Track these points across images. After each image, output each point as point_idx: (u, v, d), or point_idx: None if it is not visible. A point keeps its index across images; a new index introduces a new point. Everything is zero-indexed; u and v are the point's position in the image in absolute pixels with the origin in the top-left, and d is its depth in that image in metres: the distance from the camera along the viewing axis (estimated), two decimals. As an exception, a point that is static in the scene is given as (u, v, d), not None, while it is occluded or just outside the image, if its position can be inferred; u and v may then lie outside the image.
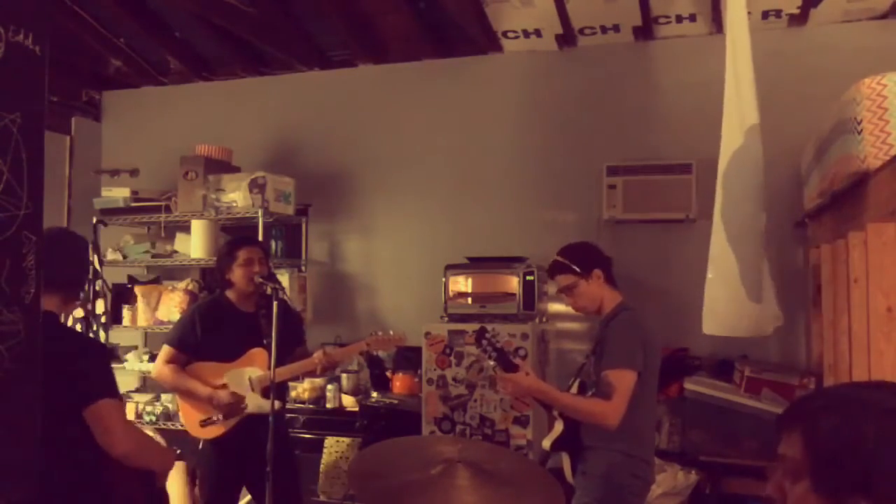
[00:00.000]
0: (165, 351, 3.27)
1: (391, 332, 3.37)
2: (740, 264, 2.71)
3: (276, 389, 3.15)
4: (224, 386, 3.20)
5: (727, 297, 2.73)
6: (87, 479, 2.12)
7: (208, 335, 3.24)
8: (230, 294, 3.32)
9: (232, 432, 3.21)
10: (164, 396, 4.71)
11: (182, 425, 3.54)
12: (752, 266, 2.78)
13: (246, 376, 3.21)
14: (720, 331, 2.82)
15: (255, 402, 3.19)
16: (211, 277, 4.05)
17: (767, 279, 2.96)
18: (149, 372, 4.44)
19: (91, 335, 4.62)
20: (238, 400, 3.18)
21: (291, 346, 3.36)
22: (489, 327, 2.75)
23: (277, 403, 3.12)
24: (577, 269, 2.73)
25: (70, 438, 2.05)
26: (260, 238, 4.33)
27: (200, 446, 3.37)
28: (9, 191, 1.50)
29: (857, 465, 1.03)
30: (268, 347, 3.17)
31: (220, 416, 3.19)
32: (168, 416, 4.59)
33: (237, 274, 3.24)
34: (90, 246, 4.69)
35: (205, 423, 3.23)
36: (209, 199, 4.45)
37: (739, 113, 2.78)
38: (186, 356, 3.27)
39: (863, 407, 1.07)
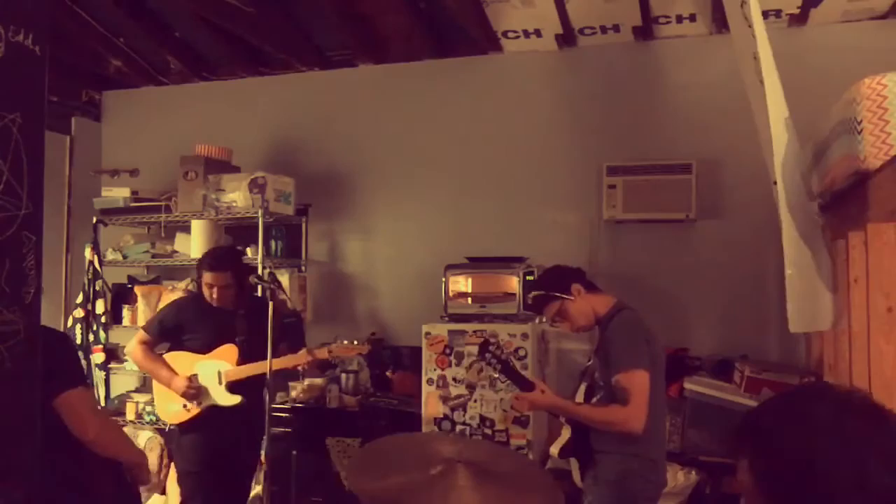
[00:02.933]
0: (140, 334, 3.50)
1: (355, 342, 3.50)
2: (815, 256, 2.68)
3: (249, 386, 3.35)
4: (195, 376, 3.38)
5: (809, 290, 2.69)
6: (59, 472, 2.12)
7: (185, 327, 3.44)
8: None
9: (199, 419, 3.37)
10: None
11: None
12: (823, 256, 2.75)
13: (216, 369, 3.37)
14: (808, 326, 2.75)
15: (220, 395, 3.36)
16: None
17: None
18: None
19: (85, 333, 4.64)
20: (193, 389, 3.34)
21: (272, 345, 3.42)
22: (493, 339, 2.75)
23: (240, 399, 3.34)
24: (557, 294, 2.74)
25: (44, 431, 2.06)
26: (260, 238, 4.35)
27: (168, 429, 3.57)
28: (9, 191, 1.50)
29: (803, 485, 1.02)
30: (240, 345, 3.37)
31: (182, 403, 3.37)
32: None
33: (204, 291, 3.41)
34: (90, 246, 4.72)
35: (174, 407, 3.41)
36: (209, 199, 4.45)
37: (777, 106, 2.76)
38: (159, 343, 3.50)
39: (801, 425, 1.06)
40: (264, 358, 3.37)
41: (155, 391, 3.54)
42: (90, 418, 2.20)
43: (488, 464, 1.73)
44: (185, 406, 3.37)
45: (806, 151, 3.41)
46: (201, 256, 3.56)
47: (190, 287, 4.71)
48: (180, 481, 3.47)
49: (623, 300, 2.79)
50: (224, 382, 3.36)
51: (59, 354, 2.18)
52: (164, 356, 3.48)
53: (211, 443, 3.34)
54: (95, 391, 4.63)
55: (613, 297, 2.79)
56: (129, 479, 2.38)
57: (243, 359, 3.35)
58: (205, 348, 3.40)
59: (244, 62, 5.04)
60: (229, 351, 3.38)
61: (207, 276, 3.37)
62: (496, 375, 2.82)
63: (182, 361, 3.42)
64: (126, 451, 2.40)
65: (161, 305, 4.69)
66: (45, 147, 1.57)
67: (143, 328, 3.53)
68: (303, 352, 3.36)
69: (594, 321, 2.76)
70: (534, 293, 2.83)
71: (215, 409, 3.36)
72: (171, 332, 3.46)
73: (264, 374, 3.18)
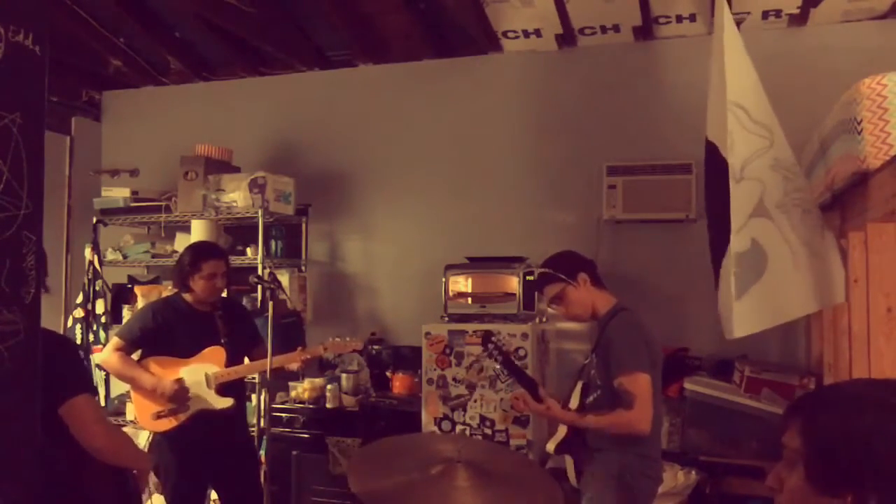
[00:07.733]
0: (114, 341, 3.31)
1: (348, 339, 3.50)
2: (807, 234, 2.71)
3: (234, 388, 3.30)
4: (181, 380, 3.25)
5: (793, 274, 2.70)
6: (61, 479, 2.10)
7: (163, 332, 3.29)
8: (188, 296, 3.35)
9: (185, 427, 3.24)
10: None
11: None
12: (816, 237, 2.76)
13: (202, 373, 3.26)
14: (808, 308, 2.77)
15: (211, 398, 3.26)
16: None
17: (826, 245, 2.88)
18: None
19: (84, 334, 4.64)
20: (183, 391, 3.22)
21: (248, 346, 3.47)
22: (495, 331, 2.76)
23: (232, 402, 3.26)
24: (563, 277, 2.74)
25: (46, 437, 2.05)
26: (260, 238, 4.35)
27: (151, 439, 3.42)
28: (9, 191, 1.50)
29: (849, 458, 1.06)
30: (225, 346, 3.30)
31: (167, 410, 3.23)
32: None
33: (199, 285, 3.28)
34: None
35: (157, 416, 3.25)
36: (209, 199, 4.45)
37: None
38: (135, 350, 3.32)
39: (861, 403, 1.10)
40: (245, 359, 3.38)
41: (135, 400, 3.37)
42: (96, 427, 2.15)
43: (488, 464, 1.73)
44: (172, 412, 3.23)
45: (806, 152, 3.42)
46: (189, 253, 3.37)
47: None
48: (167, 494, 3.32)
49: (623, 302, 2.80)
50: (214, 385, 3.25)
51: (64, 361, 2.14)
52: (142, 363, 3.32)
53: (207, 443, 3.24)
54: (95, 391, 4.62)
55: (615, 296, 2.80)
56: (131, 485, 2.36)
57: (229, 360, 3.29)
58: (187, 352, 3.27)
59: (244, 62, 5.03)
60: (216, 353, 3.29)
61: (211, 266, 3.26)
62: (497, 367, 2.81)
63: (163, 367, 3.28)
64: (132, 458, 2.36)
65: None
66: (45, 147, 1.57)
67: (118, 335, 3.33)
68: (298, 351, 3.32)
69: (590, 315, 2.78)
70: (540, 269, 2.84)
71: (204, 414, 3.25)
72: (150, 338, 3.29)
73: (245, 375, 3.14)
